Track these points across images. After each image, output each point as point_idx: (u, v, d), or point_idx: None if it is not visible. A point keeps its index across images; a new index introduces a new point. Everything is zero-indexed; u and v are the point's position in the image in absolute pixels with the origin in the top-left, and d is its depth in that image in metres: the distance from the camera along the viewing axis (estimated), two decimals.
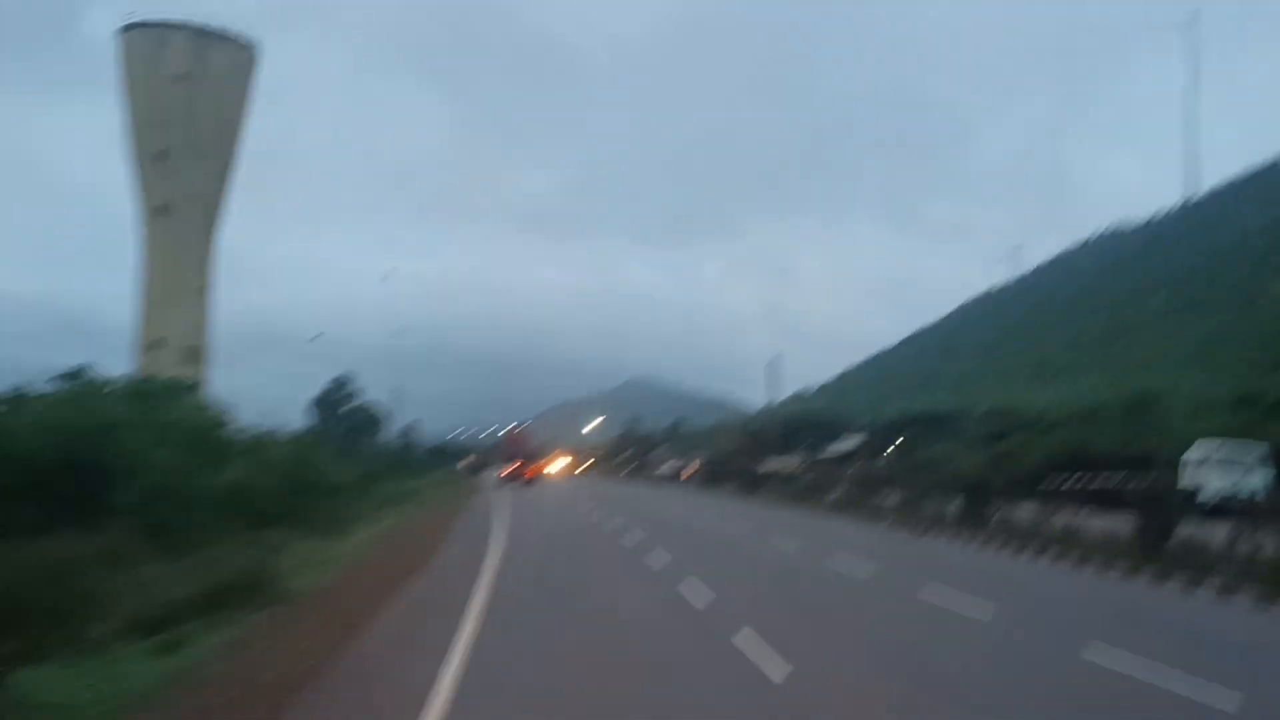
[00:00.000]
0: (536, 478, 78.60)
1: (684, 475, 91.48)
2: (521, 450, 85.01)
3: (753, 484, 46.07)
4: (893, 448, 79.48)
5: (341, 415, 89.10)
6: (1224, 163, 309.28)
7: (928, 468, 53.69)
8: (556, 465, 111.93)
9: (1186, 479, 33.91)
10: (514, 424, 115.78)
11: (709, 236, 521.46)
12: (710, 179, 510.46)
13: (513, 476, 75.88)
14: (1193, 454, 34.53)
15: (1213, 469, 32.80)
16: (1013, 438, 61.71)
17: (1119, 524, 23.99)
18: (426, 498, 45.53)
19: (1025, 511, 28.39)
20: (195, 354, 61.92)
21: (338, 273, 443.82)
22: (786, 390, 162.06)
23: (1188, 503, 33.00)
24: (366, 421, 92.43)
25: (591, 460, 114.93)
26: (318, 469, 32.70)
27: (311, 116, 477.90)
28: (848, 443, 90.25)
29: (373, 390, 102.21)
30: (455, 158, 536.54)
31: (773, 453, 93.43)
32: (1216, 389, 78.74)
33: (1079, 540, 23.35)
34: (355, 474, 46.62)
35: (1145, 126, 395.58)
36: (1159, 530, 21.91)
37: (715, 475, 56.68)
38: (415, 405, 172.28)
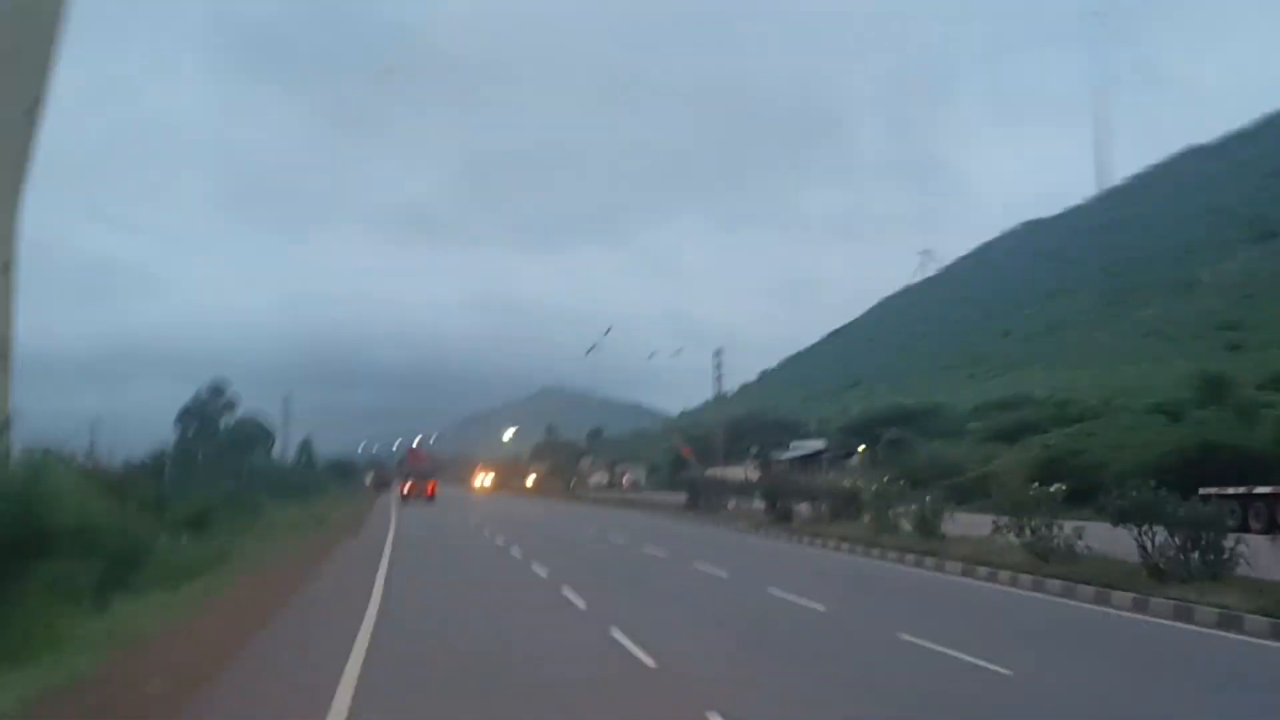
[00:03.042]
0: (435, 494, 69.49)
1: (625, 485, 75.89)
2: (423, 466, 77.31)
3: (780, 505, 28.53)
4: (866, 449, 64.49)
5: (219, 429, 70.81)
6: (1123, 156, 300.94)
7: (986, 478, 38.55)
8: (481, 480, 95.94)
9: None
10: (416, 439, 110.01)
11: (597, 241, 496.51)
12: (590, 182, 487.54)
13: (414, 493, 67.45)
14: None
15: None
16: (1053, 432, 46.94)
17: None
18: (296, 530, 28.94)
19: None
20: None
21: (208, 286, 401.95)
22: (704, 394, 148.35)
23: None
24: (251, 436, 74.06)
25: (524, 474, 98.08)
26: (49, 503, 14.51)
27: (159, 113, 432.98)
28: (808, 446, 75.08)
29: (261, 405, 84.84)
30: (320, 163, 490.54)
31: (719, 459, 78.76)
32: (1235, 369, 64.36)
33: None
34: (208, 500, 30.49)
35: (1030, 119, 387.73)
36: None
37: (691, 492, 38.29)
38: (316, 421, 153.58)
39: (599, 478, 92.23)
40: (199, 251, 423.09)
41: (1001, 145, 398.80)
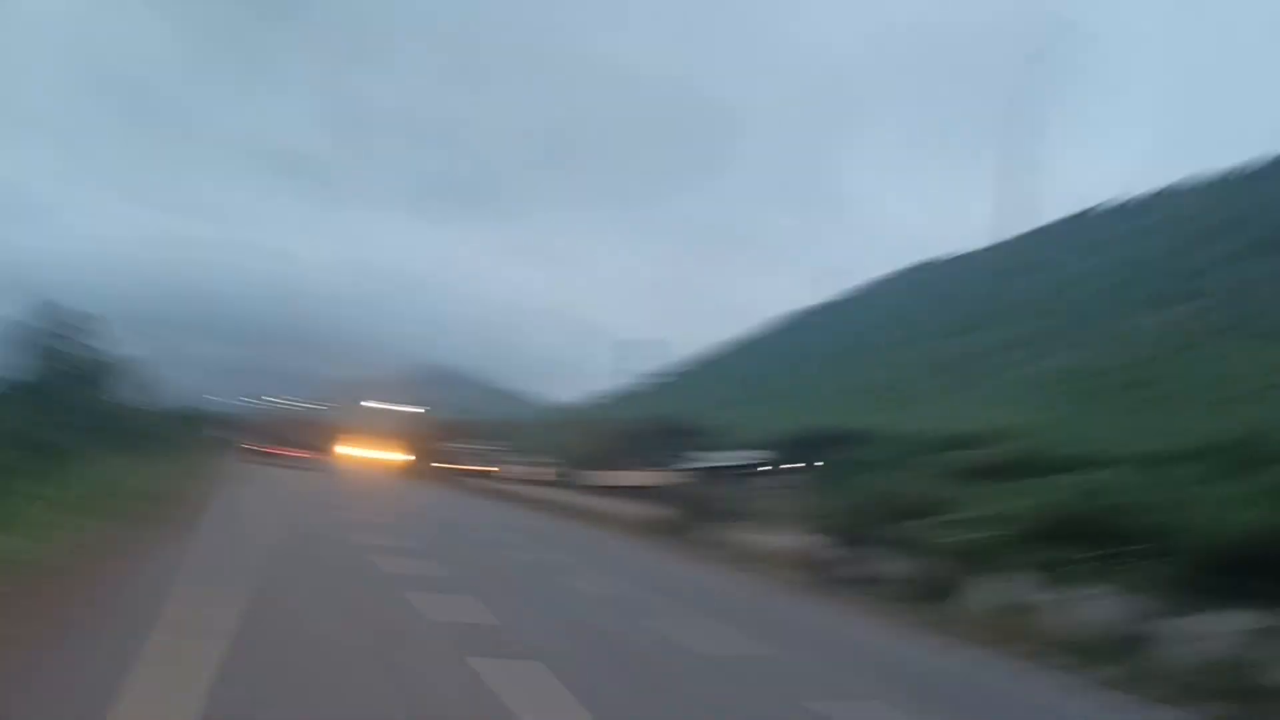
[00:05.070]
0: (321, 463, 55.09)
1: (552, 477, 64.42)
2: (304, 431, 62.25)
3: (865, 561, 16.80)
4: (813, 469, 53.85)
5: (50, 359, 55.83)
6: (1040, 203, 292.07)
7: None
8: (372, 453, 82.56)
9: None
10: (294, 397, 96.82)
11: (480, 221, 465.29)
12: (476, 159, 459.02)
13: (291, 458, 52.31)
14: None
15: None
16: (1060, 476, 36.90)
17: None
18: (105, 507, 16.41)
19: None
20: None
21: (72, 220, 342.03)
22: (579, 390, 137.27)
23: None
24: (89, 373, 59.09)
25: (421, 453, 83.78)
26: None
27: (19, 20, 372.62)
28: (730, 457, 64.02)
29: (124, 348, 70.19)
30: (196, 97, 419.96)
31: (620, 462, 67.51)
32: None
33: None
34: None
35: (940, 156, 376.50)
36: None
37: (688, 507, 25.25)
38: (181, 372, 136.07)
39: (506, 468, 79.45)
40: (61, 174, 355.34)
41: (906, 178, 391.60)
